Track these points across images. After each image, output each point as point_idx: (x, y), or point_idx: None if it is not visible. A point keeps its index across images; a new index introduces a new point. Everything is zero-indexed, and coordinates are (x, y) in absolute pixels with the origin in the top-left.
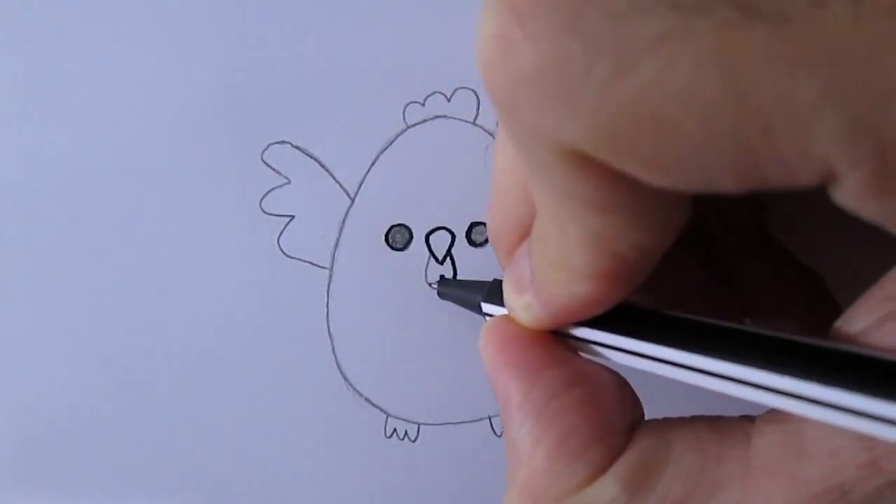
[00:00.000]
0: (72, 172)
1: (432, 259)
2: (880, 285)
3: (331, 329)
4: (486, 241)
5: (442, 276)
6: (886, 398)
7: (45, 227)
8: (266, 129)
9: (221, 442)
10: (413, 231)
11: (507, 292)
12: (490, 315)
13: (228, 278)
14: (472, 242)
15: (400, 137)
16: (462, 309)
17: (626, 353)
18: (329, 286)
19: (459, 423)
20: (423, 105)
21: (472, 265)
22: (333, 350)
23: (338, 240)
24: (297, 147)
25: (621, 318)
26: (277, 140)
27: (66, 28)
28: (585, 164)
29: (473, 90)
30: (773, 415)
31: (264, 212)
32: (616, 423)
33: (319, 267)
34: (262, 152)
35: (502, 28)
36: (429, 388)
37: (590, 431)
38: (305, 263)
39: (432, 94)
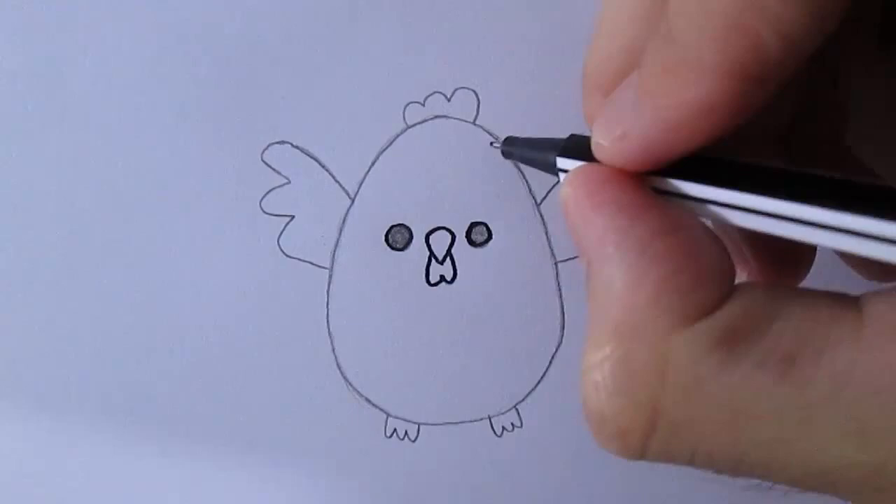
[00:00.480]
0: (71, 173)
1: (432, 259)
2: None
3: (331, 329)
4: (486, 241)
5: (508, 137)
6: None
7: (44, 226)
8: (266, 129)
9: (222, 442)
10: (413, 231)
11: (599, 131)
12: (565, 171)
13: (228, 278)
14: (472, 242)
15: (400, 137)
16: (461, 308)
17: (723, 207)
18: (329, 286)
19: (459, 423)
20: (423, 105)
21: (473, 265)
22: (333, 350)
23: (338, 240)
24: (297, 147)
25: (713, 168)
26: (277, 140)
27: (65, 27)
28: None
29: (473, 90)
30: (883, 288)
31: (264, 212)
32: (718, 274)
33: (319, 267)
34: (262, 152)
35: None
36: (429, 388)
37: (696, 273)
38: (305, 263)
39: (432, 94)
